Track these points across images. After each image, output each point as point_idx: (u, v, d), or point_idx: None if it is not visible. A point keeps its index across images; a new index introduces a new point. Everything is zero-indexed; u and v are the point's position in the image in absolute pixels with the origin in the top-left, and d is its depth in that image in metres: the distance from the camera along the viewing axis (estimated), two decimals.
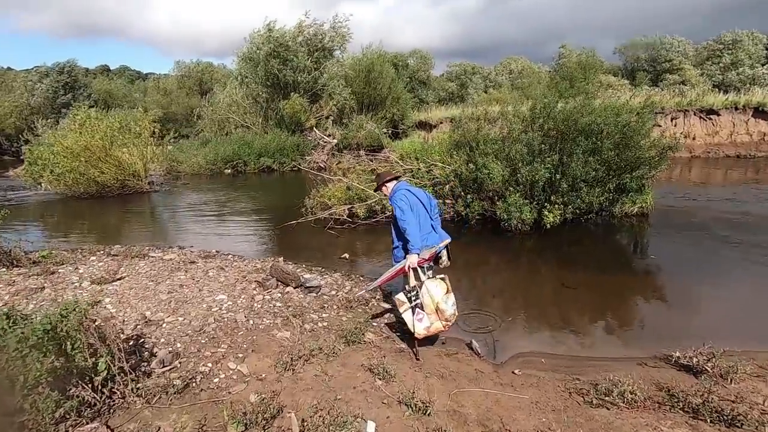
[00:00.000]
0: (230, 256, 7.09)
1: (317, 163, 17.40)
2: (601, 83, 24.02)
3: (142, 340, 3.99)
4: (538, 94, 9.47)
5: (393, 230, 4.28)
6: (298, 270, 6.32)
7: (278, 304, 4.95)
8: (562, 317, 5.04)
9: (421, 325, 3.97)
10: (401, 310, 4.03)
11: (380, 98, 22.34)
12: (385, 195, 4.39)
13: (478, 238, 8.31)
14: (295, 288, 5.39)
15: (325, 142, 18.96)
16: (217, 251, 7.44)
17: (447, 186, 8.79)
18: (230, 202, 12.60)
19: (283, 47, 18.92)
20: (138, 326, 4.28)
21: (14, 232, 9.43)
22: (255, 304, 4.90)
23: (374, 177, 4.46)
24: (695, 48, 34.60)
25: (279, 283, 5.50)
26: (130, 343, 3.92)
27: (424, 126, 23.99)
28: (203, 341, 4.05)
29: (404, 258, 4.12)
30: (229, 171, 17.78)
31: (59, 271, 5.91)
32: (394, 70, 25.86)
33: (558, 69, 31.11)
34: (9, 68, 44.89)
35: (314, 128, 19.67)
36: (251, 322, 4.46)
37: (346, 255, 7.09)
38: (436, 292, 4.04)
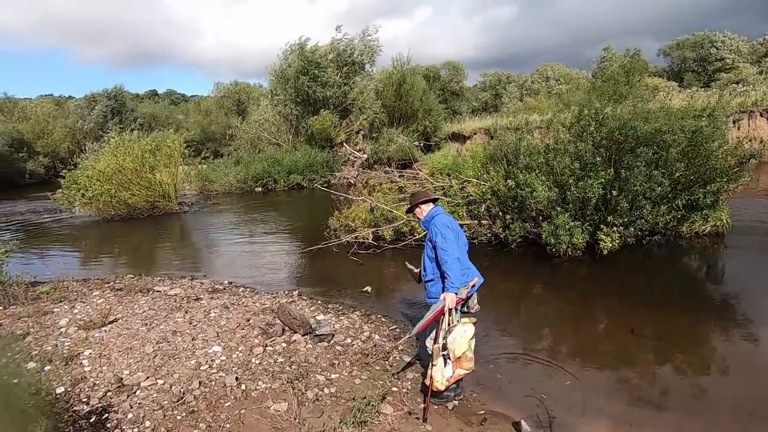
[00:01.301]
0: (241, 289, 6.31)
1: (347, 178, 16.67)
2: (647, 86, 22.11)
3: (106, 416, 3.19)
4: (578, 99, 8.25)
5: (427, 261, 3.45)
6: (311, 308, 5.44)
7: (280, 359, 4.05)
8: (636, 383, 3.86)
9: (446, 373, 3.17)
10: (435, 361, 3.15)
11: (412, 111, 21.47)
12: (418, 218, 3.62)
13: (520, 265, 7.16)
14: (303, 336, 4.49)
15: (356, 157, 18.25)
16: (229, 282, 6.70)
17: (483, 205, 7.70)
18: (255, 224, 12.01)
19: (313, 64, 18.47)
20: (108, 393, 3.49)
21: (35, 257, 9.16)
22: (252, 360, 4.03)
23: (409, 196, 3.99)
24: (750, 44, 31.68)
25: (285, 328, 4.63)
26: (91, 420, 3.12)
27: (458, 137, 22.87)
28: (179, 417, 3.19)
29: (441, 296, 3.29)
30: (260, 189, 17.36)
31: (54, 310, 5.31)
32: (426, 82, 24.99)
33: (599, 73, 29.18)
34: (70, 97, 47.64)
35: (344, 143, 19.02)
36: (243, 387, 3.58)
37: (369, 288, 6.14)
38: (466, 336, 3.25)
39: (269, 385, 3.62)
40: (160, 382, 3.65)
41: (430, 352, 3.25)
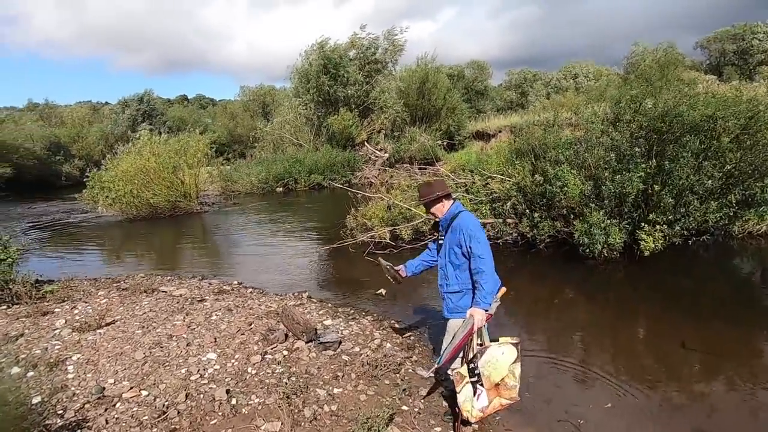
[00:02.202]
0: (249, 290, 5.93)
1: (368, 178, 16.24)
2: (682, 80, 20.78)
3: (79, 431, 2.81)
4: (610, 94, 7.51)
5: (450, 269, 2.85)
6: (319, 312, 4.99)
7: (279, 369, 3.61)
8: (689, 407, 3.22)
9: (478, 404, 2.60)
10: (459, 387, 2.61)
11: (435, 109, 20.87)
12: (436, 216, 2.95)
13: (549, 267, 6.53)
14: (306, 343, 4.04)
15: (377, 156, 17.82)
16: (239, 283, 6.34)
17: (508, 202, 7.10)
18: (274, 223, 11.72)
19: (333, 62, 18.17)
20: (86, 405, 3.13)
21: (55, 256, 9.11)
22: (248, 369, 3.60)
23: (421, 188, 3.09)
24: None
25: (289, 334, 4.19)
26: None
27: (482, 136, 22.11)
28: None
29: (468, 311, 2.75)
30: (281, 189, 17.15)
31: (55, 310, 5.06)
32: (450, 81, 24.34)
33: (630, 69, 27.77)
34: (107, 103, 49.26)
35: (365, 143, 18.63)
36: (233, 401, 3.15)
37: (383, 291, 5.65)
38: (505, 360, 2.63)
39: (263, 399, 3.18)
40: (144, 393, 3.26)
41: (452, 378, 2.74)
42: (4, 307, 5.26)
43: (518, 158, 7.05)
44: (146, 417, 2.97)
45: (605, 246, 5.90)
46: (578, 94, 28.90)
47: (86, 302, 5.34)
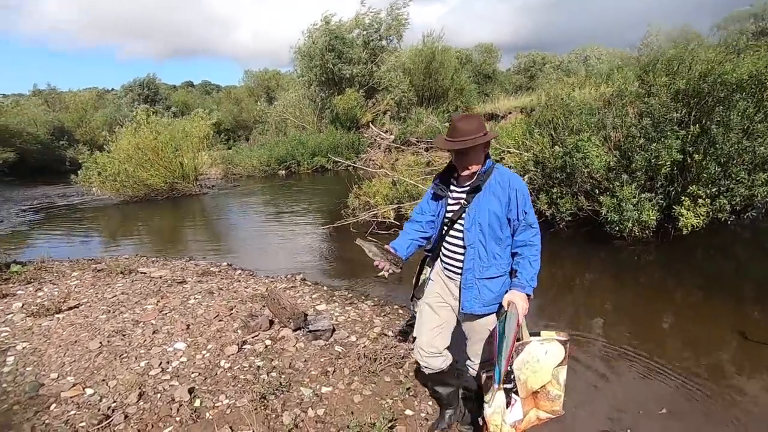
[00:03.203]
0: (238, 272, 5.30)
1: (373, 161, 15.48)
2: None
3: None
4: (623, 77, 6.67)
5: (492, 245, 1.95)
6: (313, 296, 4.34)
7: (258, 362, 2.97)
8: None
9: (510, 418, 1.91)
10: (489, 395, 1.94)
11: (442, 90, 19.95)
12: (467, 169, 1.94)
13: (571, 248, 5.82)
14: (294, 331, 3.40)
15: (382, 138, 17.02)
16: (228, 264, 5.71)
17: (524, 177, 6.36)
18: (274, 205, 11.08)
19: (339, 40, 17.28)
20: (15, 407, 2.51)
21: (45, 238, 8.57)
22: (221, 362, 2.97)
23: (462, 123, 1.90)
24: None
25: (274, 321, 3.55)
26: None
27: (491, 118, 21.13)
28: None
29: (507, 297, 1.95)
30: (283, 172, 16.47)
31: (17, 293, 4.46)
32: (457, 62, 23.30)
33: (645, 50, 26.48)
34: (113, 89, 48.53)
35: (370, 124, 17.83)
36: (197, 403, 2.52)
37: (385, 273, 4.98)
38: (548, 362, 1.92)
39: (233, 401, 2.54)
40: (89, 392, 2.64)
41: (482, 382, 2.07)
42: None
43: (538, 128, 6.28)
44: (83, 423, 2.35)
45: (636, 224, 5.17)
46: (589, 76, 27.72)
47: (55, 284, 4.73)
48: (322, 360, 3.02)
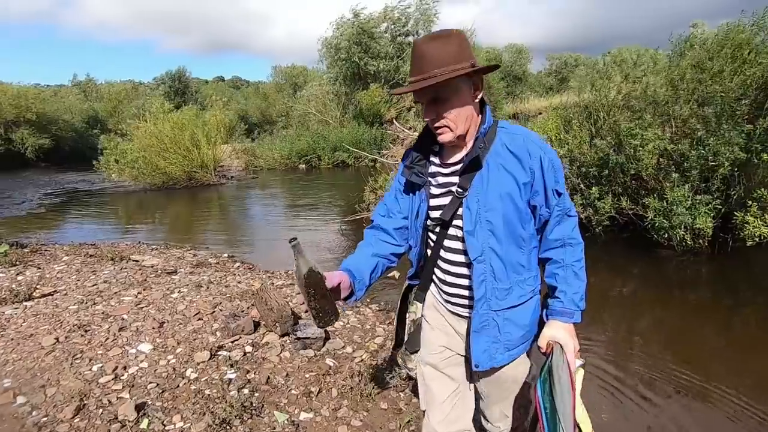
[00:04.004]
0: (236, 265, 4.82)
1: (395, 158, 14.92)
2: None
3: None
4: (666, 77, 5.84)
5: (512, 249, 1.18)
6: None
7: (230, 373, 2.44)
8: None
9: None
10: None
11: None
12: (443, 131, 1.14)
13: (607, 255, 5.09)
14: (280, 337, 2.86)
15: (405, 135, 16.43)
16: (229, 256, 5.26)
17: None
18: (290, 198, 10.68)
19: (366, 34, 16.78)
20: None
21: (50, 221, 8.39)
22: (188, 371, 2.45)
23: (426, 45, 1.07)
24: None
25: (261, 323, 3.02)
26: None
27: (520, 118, 20.28)
28: None
29: (552, 328, 1.20)
30: (303, 166, 16.11)
31: None
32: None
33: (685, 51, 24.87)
34: (149, 82, 49.68)
35: (394, 121, 17.25)
36: (144, 424, 2.00)
37: (395, 274, 4.41)
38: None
39: (188, 425, 2.02)
40: (21, 400, 2.16)
41: None
42: None
43: (577, 120, 5.57)
44: None
45: (689, 232, 4.42)
46: (626, 79, 26.30)
47: (39, 268, 4.37)
48: (307, 376, 2.47)
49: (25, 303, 3.35)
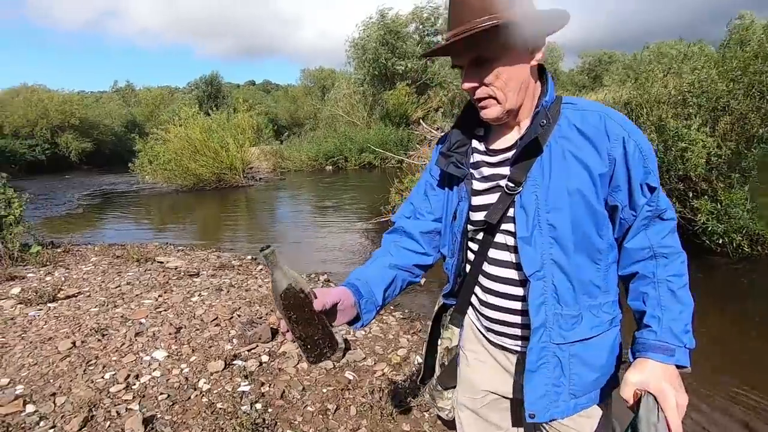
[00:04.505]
0: (259, 267, 4.73)
1: (422, 158, 14.68)
2: None
3: None
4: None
5: (564, 267, 0.86)
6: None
7: (244, 385, 2.30)
8: None
9: None
10: None
11: None
12: (504, 108, 0.85)
13: None
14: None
15: (432, 136, 16.14)
16: (252, 258, 5.18)
17: None
18: (317, 199, 10.63)
19: (393, 34, 16.64)
20: None
21: (85, 221, 8.64)
22: (200, 383, 2.33)
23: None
24: None
25: (278, 331, 2.88)
26: None
27: None
28: None
29: (648, 379, 0.77)
30: (330, 167, 16.11)
31: (28, 276, 4.15)
32: None
33: (733, 44, 23.38)
34: (184, 86, 51.43)
35: (421, 121, 17.01)
36: None
37: (422, 279, 4.18)
38: None
39: None
40: (30, 409, 2.08)
41: None
42: None
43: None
44: None
45: (745, 238, 3.99)
46: (666, 76, 24.98)
47: (68, 269, 4.41)
48: (324, 391, 2.29)
49: (48, 304, 3.34)
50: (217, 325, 3.00)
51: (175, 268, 4.43)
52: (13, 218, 5.15)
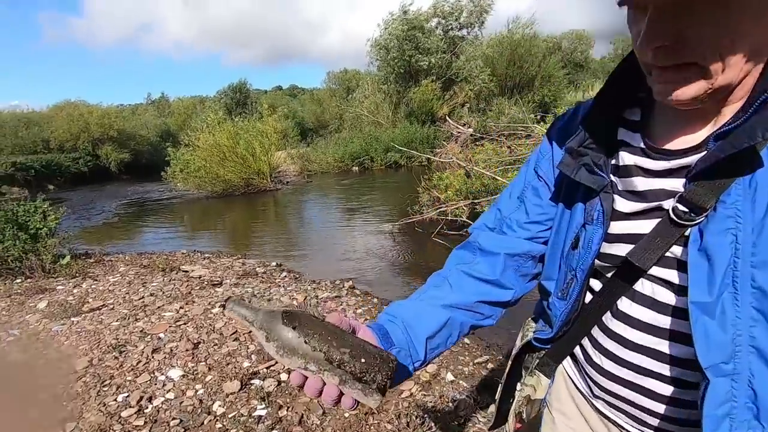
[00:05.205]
0: (283, 275, 4.59)
1: (448, 155, 14.33)
2: None
3: None
4: None
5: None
6: (358, 310, 3.44)
7: (261, 408, 2.13)
8: None
9: None
10: None
11: (527, 78, 18.04)
12: (709, 85, 0.50)
13: None
14: None
15: (459, 132, 15.73)
16: (278, 265, 5.06)
17: None
18: (344, 201, 10.52)
19: (417, 29, 16.34)
20: None
21: (120, 230, 8.84)
22: (215, 406, 2.17)
23: None
24: None
25: None
26: None
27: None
28: None
29: None
30: (356, 168, 16.01)
31: (57, 288, 4.18)
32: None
33: None
34: (214, 95, 52.97)
35: (447, 117, 16.62)
36: None
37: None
38: None
39: None
40: None
41: None
42: (19, 280, 4.53)
43: None
44: None
45: None
46: None
47: (96, 280, 4.41)
48: (346, 416, 2.08)
49: (72, 318, 3.30)
50: (235, 339, 2.85)
51: (199, 277, 4.36)
52: (47, 230, 5.26)
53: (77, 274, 4.56)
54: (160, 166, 29.21)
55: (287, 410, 2.14)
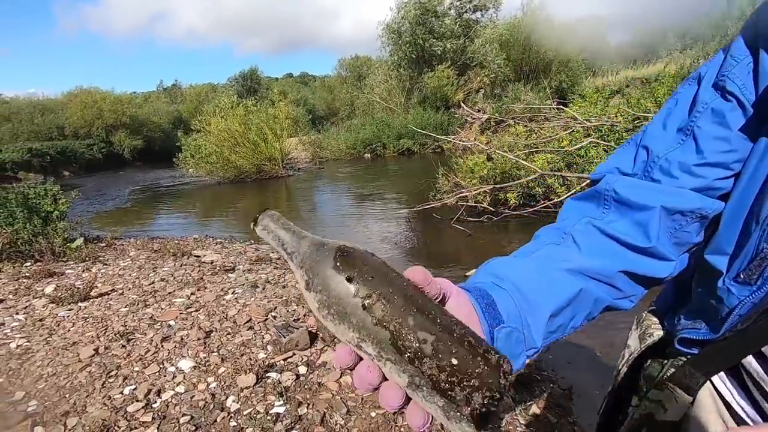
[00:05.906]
0: None
1: (463, 141, 13.96)
2: None
3: None
4: None
5: None
6: None
7: (278, 405, 1.92)
8: None
9: None
10: None
11: (543, 63, 17.47)
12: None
13: None
14: None
15: (474, 118, 15.32)
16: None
17: None
18: (356, 187, 10.28)
19: (430, 13, 15.86)
20: None
21: (133, 213, 8.73)
22: (228, 401, 1.97)
23: None
24: None
25: (319, 335, 2.49)
26: None
27: (606, 91, 18.13)
28: None
29: None
30: (368, 155, 15.73)
31: (67, 272, 4.02)
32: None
33: None
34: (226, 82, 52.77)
35: (462, 103, 16.19)
36: None
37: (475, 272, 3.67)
38: None
39: None
40: (38, 431, 1.80)
41: None
42: (29, 263, 4.39)
43: None
44: None
45: None
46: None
47: (105, 264, 4.25)
48: (373, 415, 1.87)
49: (80, 303, 3.13)
50: (250, 328, 2.65)
51: (211, 263, 4.17)
52: (57, 214, 5.12)
53: (87, 258, 4.40)
54: (173, 153, 29.22)
55: (307, 407, 1.92)
